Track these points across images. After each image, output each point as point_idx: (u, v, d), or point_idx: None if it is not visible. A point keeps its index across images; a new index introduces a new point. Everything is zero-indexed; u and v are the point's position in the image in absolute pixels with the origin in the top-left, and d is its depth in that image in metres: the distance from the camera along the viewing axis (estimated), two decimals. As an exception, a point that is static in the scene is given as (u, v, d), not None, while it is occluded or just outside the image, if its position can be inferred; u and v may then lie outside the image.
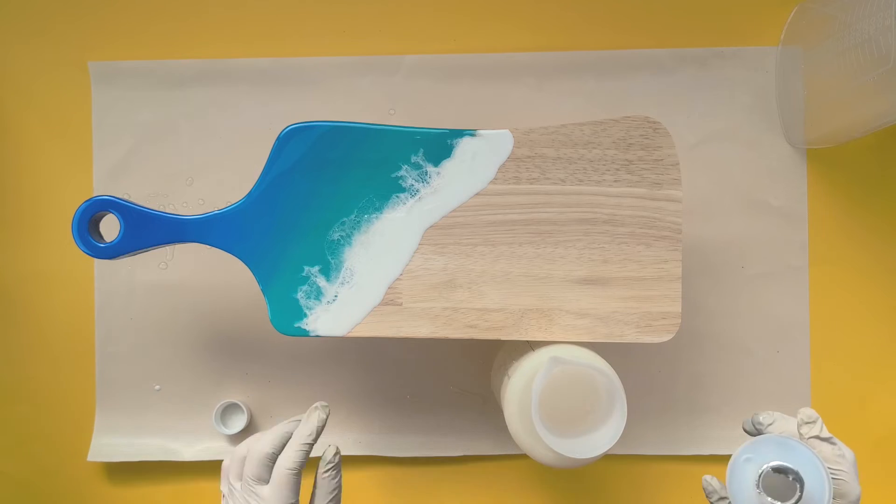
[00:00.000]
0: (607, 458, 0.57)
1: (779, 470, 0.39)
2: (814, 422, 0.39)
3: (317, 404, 0.48)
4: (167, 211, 0.50)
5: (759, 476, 0.39)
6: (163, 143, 0.60)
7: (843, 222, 0.60)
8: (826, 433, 0.39)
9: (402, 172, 0.49)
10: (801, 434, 0.40)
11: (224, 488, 0.47)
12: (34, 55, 0.60)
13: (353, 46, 0.60)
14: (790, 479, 0.38)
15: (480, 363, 0.59)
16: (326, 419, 0.47)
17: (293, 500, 0.45)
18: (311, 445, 0.46)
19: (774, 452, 0.39)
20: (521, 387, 0.47)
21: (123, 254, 0.49)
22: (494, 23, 0.60)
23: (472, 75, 0.59)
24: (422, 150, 0.49)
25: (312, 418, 0.47)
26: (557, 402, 0.45)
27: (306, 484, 0.47)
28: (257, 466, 0.45)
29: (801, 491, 0.38)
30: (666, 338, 0.49)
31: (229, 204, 0.50)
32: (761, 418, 0.43)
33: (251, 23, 0.60)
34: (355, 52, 0.60)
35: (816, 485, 0.38)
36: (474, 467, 0.60)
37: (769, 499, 0.38)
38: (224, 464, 0.48)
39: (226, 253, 0.50)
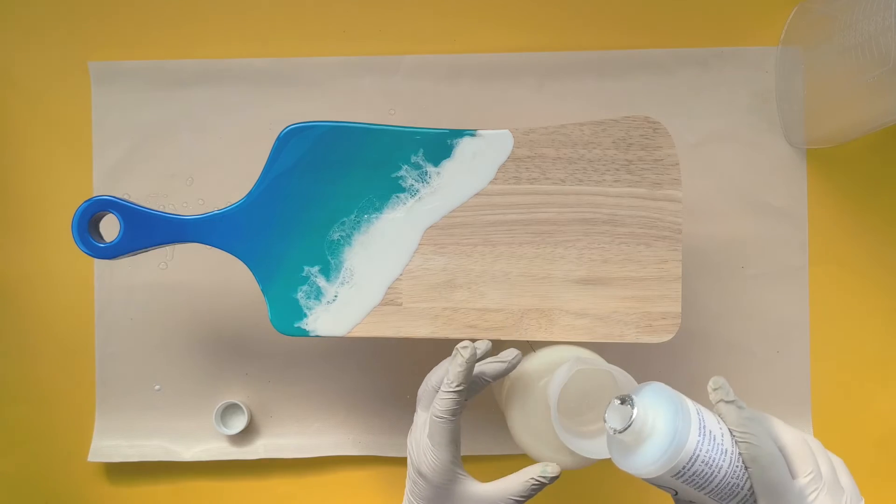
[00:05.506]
0: (607, 458, 0.57)
1: (622, 400, 0.39)
2: (719, 387, 0.39)
3: (458, 345, 0.43)
4: (167, 211, 0.50)
5: (606, 406, 0.39)
6: (163, 143, 0.60)
7: (843, 222, 0.60)
8: (731, 396, 0.38)
9: (401, 172, 0.49)
10: (712, 401, 0.39)
11: (415, 413, 0.47)
12: (34, 55, 0.60)
13: (353, 46, 0.60)
14: (628, 406, 0.38)
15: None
16: (473, 357, 0.42)
17: (449, 449, 0.43)
18: (459, 392, 0.42)
19: (646, 394, 0.39)
20: (522, 387, 0.47)
21: (123, 254, 0.49)
22: (494, 23, 0.60)
23: (472, 75, 0.59)
24: (422, 150, 0.49)
25: (454, 363, 0.43)
26: (569, 403, 0.45)
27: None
28: (426, 398, 0.45)
29: (633, 412, 0.38)
30: (666, 338, 0.49)
31: (229, 204, 0.50)
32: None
33: (251, 23, 0.60)
34: (355, 52, 0.60)
35: (671, 420, 0.37)
36: (474, 467, 0.59)
37: (607, 425, 0.39)
38: (419, 390, 0.47)
39: (226, 253, 0.50)
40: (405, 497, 0.46)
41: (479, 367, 0.45)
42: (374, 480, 0.61)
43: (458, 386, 0.43)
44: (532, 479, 0.43)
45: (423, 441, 0.44)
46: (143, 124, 0.60)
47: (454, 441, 0.43)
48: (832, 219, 0.60)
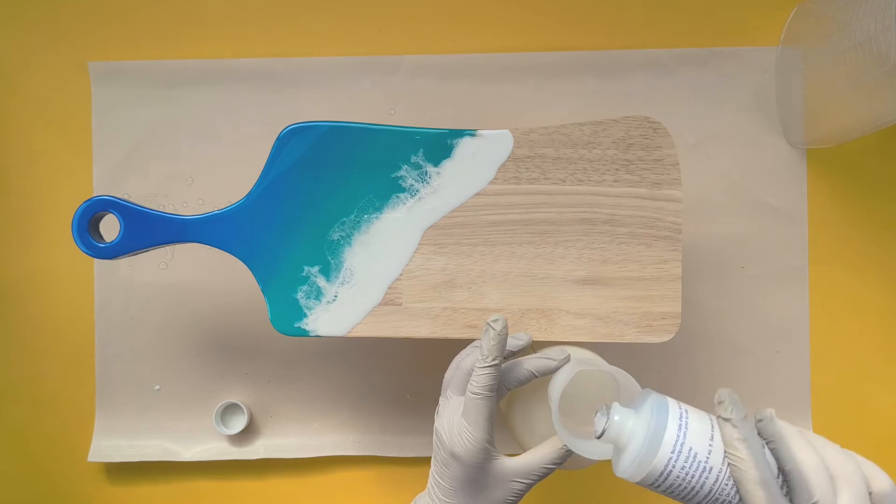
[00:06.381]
0: (608, 458, 0.57)
1: (607, 407, 0.40)
2: (721, 402, 0.38)
3: (489, 320, 0.43)
4: (167, 211, 0.50)
5: (595, 414, 0.40)
6: (163, 143, 0.60)
7: (843, 222, 0.60)
8: (728, 413, 0.37)
9: (401, 172, 0.49)
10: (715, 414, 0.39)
11: (441, 398, 0.46)
12: (34, 55, 0.60)
13: (353, 46, 0.60)
14: (606, 415, 0.39)
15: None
16: (504, 329, 0.43)
17: (486, 427, 0.42)
18: (496, 366, 0.43)
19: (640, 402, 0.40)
20: (523, 389, 0.47)
21: (123, 254, 0.49)
22: (494, 23, 0.60)
23: (472, 75, 0.59)
24: (422, 150, 0.49)
25: (487, 337, 0.43)
26: (570, 404, 0.45)
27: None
28: (459, 381, 0.45)
29: (606, 420, 0.39)
30: (666, 338, 0.49)
31: (229, 204, 0.50)
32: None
33: (251, 23, 0.60)
34: (355, 52, 0.60)
35: (643, 434, 0.38)
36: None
37: (596, 429, 0.40)
38: (446, 375, 0.47)
39: (226, 253, 0.50)
40: (430, 484, 0.46)
41: (527, 362, 0.45)
42: (374, 480, 0.61)
43: (493, 360, 0.43)
44: (565, 445, 0.43)
45: (456, 421, 0.44)
46: (143, 124, 0.60)
47: (490, 419, 0.43)
48: (832, 219, 0.60)
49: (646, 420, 0.39)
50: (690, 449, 0.37)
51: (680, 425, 0.38)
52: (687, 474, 0.37)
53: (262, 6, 0.60)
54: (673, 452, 0.37)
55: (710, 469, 0.37)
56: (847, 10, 0.50)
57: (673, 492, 0.37)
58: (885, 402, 0.60)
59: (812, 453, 0.36)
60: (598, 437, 0.39)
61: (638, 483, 0.38)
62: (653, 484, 0.38)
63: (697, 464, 0.37)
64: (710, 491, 0.37)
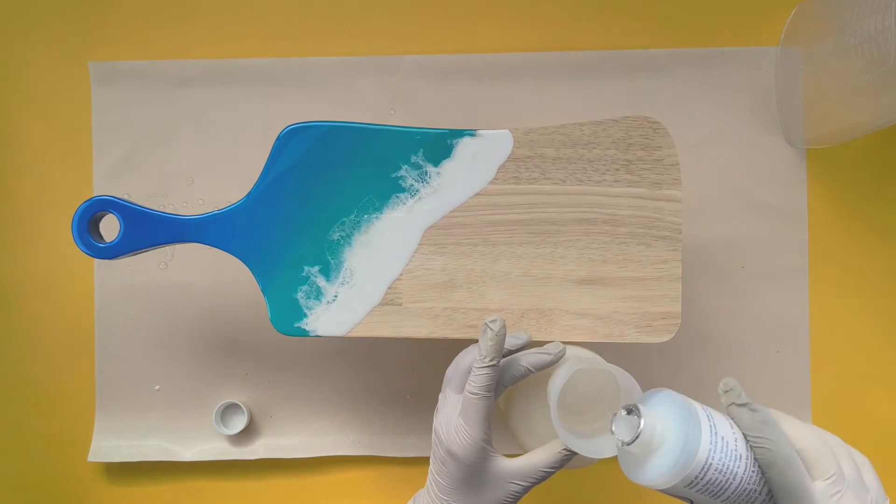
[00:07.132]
0: (608, 457, 0.57)
1: (629, 410, 0.38)
2: (730, 390, 0.37)
3: (486, 320, 0.43)
4: (167, 211, 0.50)
5: (613, 418, 0.39)
6: (163, 143, 0.60)
7: (843, 222, 0.60)
8: (744, 399, 0.37)
9: (401, 172, 0.49)
10: (723, 404, 0.38)
11: (440, 395, 0.46)
12: (34, 55, 0.60)
13: (353, 46, 0.60)
14: (635, 417, 0.38)
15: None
16: (502, 329, 0.43)
17: (483, 427, 0.43)
18: (493, 367, 0.43)
19: (655, 402, 0.39)
20: (522, 387, 0.47)
21: (123, 254, 0.49)
22: (494, 23, 0.60)
23: (472, 75, 0.59)
24: (422, 150, 0.49)
25: (484, 338, 0.43)
26: (569, 403, 0.45)
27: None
28: (458, 379, 0.45)
29: (641, 423, 0.37)
30: (666, 338, 0.49)
31: (229, 204, 0.50)
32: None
33: (251, 23, 0.60)
34: (355, 52, 0.60)
35: (681, 429, 0.37)
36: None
37: (616, 437, 0.38)
38: (447, 372, 0.47)
39: (226, 253, 0.50)
40: (428, 481, 0.46)
41: (523, 358, 0.45)
42: (374, 480, 0.61)
43: (491, 360, 0.43)
44: (564, 449, 0.43)
45: (454, 420, 0.44)
46: (143, 124, 0.60)
47: (487, 418, 0.43)
48: (832, 219, 0.60)
49: (676, 420, 0.37)
50: (723, 438, 0.36)
51: (708, 416, 0.37)
52: (724, 465, 0.36)
53: (262, 6, 0.60)
54: (712, 443, 0.36)
55: (740, 457, 0.36)
56: (847, 10, 0.50)
57: (708, 488, 0.36)
58: (885, 402, 0.60)
59: (812, 432, 0.37)
60: (629, 444, 0.37)
61: (666, 489, 0.37)
62: (691, 483, 0.36)
63: (730, 452, 0.36)
64: (741, 481, 0.36)
